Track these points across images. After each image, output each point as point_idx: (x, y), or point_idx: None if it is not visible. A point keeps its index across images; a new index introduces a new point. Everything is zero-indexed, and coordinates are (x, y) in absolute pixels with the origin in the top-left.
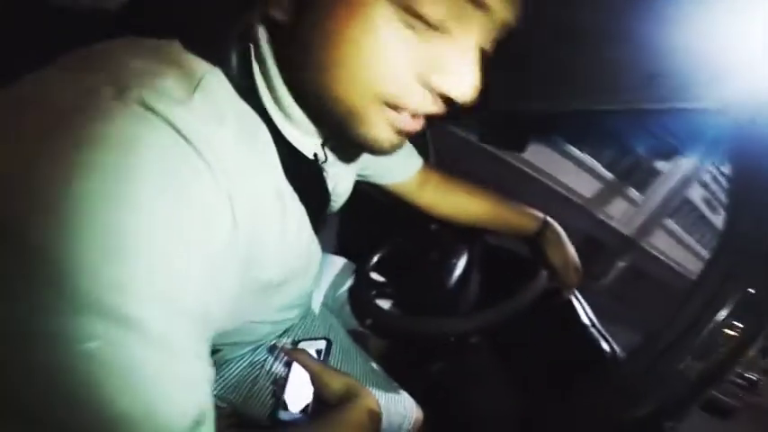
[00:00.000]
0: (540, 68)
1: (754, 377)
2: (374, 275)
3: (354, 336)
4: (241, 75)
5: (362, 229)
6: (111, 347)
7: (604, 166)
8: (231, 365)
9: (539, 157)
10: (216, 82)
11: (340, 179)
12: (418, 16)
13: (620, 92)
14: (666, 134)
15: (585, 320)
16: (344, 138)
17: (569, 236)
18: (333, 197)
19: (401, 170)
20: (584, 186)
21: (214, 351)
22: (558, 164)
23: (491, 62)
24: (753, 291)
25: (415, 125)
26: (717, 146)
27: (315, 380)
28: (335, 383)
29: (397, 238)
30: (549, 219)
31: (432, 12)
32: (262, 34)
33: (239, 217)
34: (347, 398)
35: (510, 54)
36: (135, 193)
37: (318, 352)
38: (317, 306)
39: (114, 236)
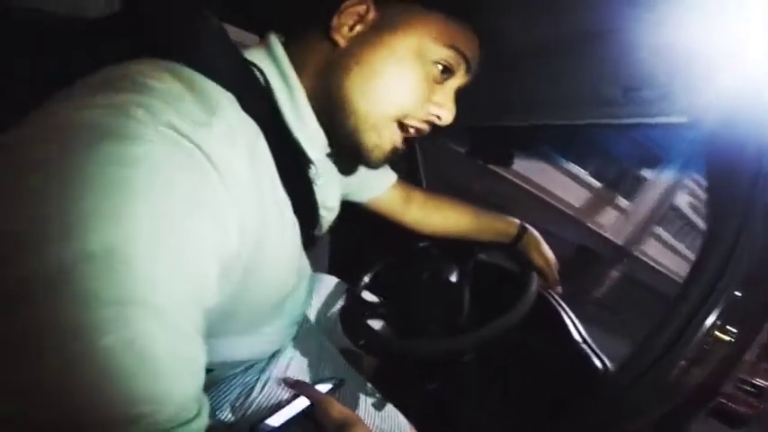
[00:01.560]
0: (521, 84)
1: (762, 383)
2: (366, 295)
3: (347, 355)
4: (255, 90)
5: (353, 248)
6: (133, 333)
7: (592, 175)
8: (222, 386)
9: (528, 167)
10: (228, 105)
11: (327, 193)
12: (438, 69)
13: (599, 105)
14: (649, 144)
15: (576, 336)
16: (348, 144)
17: (561, 247)
18: (321, 211)
19: (376, 185)
20: (574, 196)
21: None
22: (548, 174)
23: (475, 79)
24: (739, 294)
25: (401, 145)
26: (695, 154)
27: (317, 407)
28: (335, 413)
29: (388, 257)
30: (525, 224)
31: (448, 64)
32: (280, 51)
33: (247, 227)
34: (343, 427)
35: (492, 70)
36: (166, 206)
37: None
38: (308, 325)
39: (147, 241)
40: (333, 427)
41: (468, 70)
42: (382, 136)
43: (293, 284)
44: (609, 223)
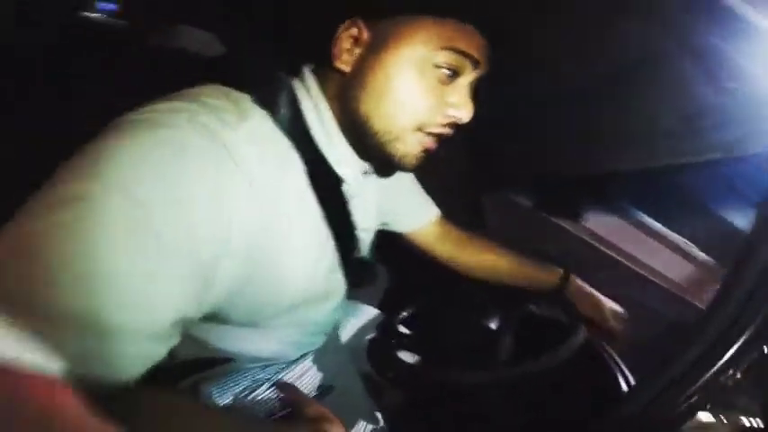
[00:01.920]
0: (574, 129)
1: None
2: (401, 328)
3: (367, 381)
4: (288, 110)
5: (407, 289)
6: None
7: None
8: (234, 375)
9: (605, 226)
10: (259, 118)
11: (364, 213)
12: (443, 71)
13: (659, 141)
14: (737, 185)
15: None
16: (380, 157)
17: (651, 320)
18: (358, 230)
19: (418, 216)
20: (662, 261)
21: (226, 360)
22: (629, 233)
23: (526, 129)
24: None
25: (432, 144)
26: None
27: (295, 405)
28: (311, 411)
29: (434, 295)
30: (569, 273)
31: (452, 66)
32: (310, 79)
33: (253, 218)
34: (318, 422)
35: (544, 118)
36: (182, 175)
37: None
38: (336, 343)
39: (168, 198)
40: (306, 422)
41: (476, 65)
42: (408, 144)
43: (316, 294)
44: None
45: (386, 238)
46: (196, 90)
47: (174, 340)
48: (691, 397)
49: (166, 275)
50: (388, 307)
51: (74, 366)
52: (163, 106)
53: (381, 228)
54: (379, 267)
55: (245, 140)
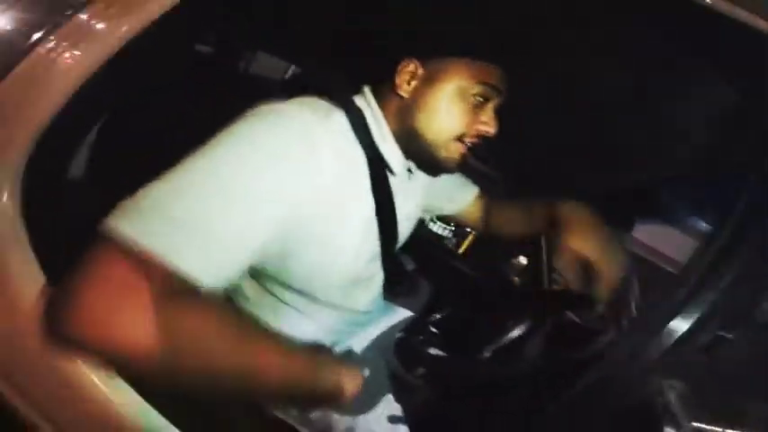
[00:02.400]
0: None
1: None
2: (430, 327)
3: (396, 382)
4: (356, 116)
5: (442, 296)
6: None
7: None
8: None
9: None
10: (337, 117)
11: (406, 204)
12: (478, 99)
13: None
14: None
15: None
16: (428, 160)
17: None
18: (400, 218)
19: (460, 199)
20: None
21: None
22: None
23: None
24: None
25: (467, 153)
26: None
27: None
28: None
29: (470, 302)
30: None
31: (484, 95)
32: (369, 96)
33: (322, 187)
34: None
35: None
36: (277, 149)
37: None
38: (368, 336)
39: (263, 163)
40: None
41: (500, 93)
42: (449, 151)
43: (357, 277)
44: None
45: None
46: (295, 99)
47: (241, 271)
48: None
49: (250, 210)
50: (423, 312)
51: (187, 261)
52: (273, 105)
53: (430, 214)
54: (422, 281)
55: (327, 131)
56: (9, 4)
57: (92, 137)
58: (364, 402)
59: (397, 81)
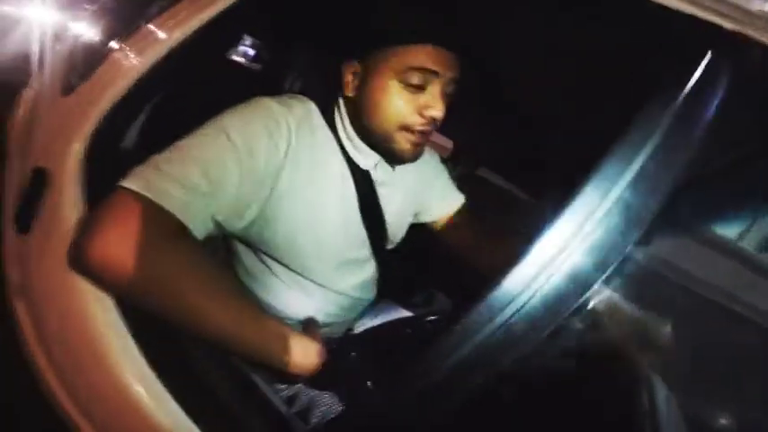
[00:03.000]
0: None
1: None
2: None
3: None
4: (329, 116)
5: None
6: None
7: None
8: None
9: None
10: (314, 113)
11: (390, 200)
12: (411, 85)
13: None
14: None
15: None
16: (384, 152)
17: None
18: (386, 215)
19: (443, 204)
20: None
21: None
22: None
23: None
24: None
25: (419, 139)
26: None
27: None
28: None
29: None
30: None
31: (417, 80)
32: (340, 100)
33: (290, 160)
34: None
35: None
36: (258, 128)
37: None
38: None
39: (247, 137)
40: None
41: (437, 75)
42: (398, 141)
43: (346, 258)
44: None
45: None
46: (288, 95)
47: (220, 216)
48: None
49: (234, 167)
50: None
51: (181, 209)
52: (262, 99)
53: (414, 221)
54: (438, 294)
55: (296, 120)
56: (94, 18)
57: (141, 118)
58: (336, 383)
59: (344, 82)
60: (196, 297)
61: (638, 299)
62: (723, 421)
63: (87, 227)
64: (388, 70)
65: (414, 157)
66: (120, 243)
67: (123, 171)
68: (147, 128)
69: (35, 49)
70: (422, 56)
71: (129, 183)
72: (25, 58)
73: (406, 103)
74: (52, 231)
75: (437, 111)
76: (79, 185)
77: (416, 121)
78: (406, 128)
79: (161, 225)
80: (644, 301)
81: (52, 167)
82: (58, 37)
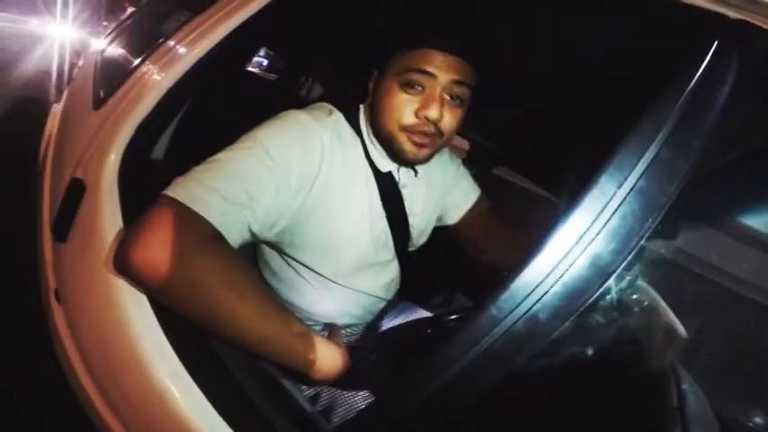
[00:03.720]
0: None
1: None
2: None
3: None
4: (354, 123)
5: None
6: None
7: None
8: None
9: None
10: (342, 121)
11: (414, 203)
12: (409, 87)
13: None
14: None
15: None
16: (390, 152)
17: None
18: (410, 217)
19: (464, 201)
20: None
21: None
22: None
23: None
24: None
25: (420, 140)
26: None
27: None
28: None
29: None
30: None
31: (414, 82)
32: (365, 108)
33: (327, 171)
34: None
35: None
36: (291, 141)
37: None
38: (381, 328)
39: (283, 151)
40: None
41: (439, 75)
42: (399, 141)
43: (368, 258)
44: None
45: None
46: (321, 106)
47: (255, 225)
48: None
49: (270, 181)
50: None
51: (219, 219)
52: (293, 113)
53: (437, 224)
54: (456, 295)
55: (328, 132)
56: (115, 34)
57: (170, 130)
58: (357, 383)
59: (368, 90)
60: (228, 299)
61: (663, 291)
62: (758, 419)
63: (132, 232)
64: (392, 74)
65: (418, 157)
66: (160, 247)
67: (157, 181)
68: (178, 138)
69: (59, 65)
70: (418, 59)
71: (173, 192)
72: (50, 75)
73: (404, 104)
74: (89, 239)
75: (432, 111)
76: (115, 195)
77: (414, 123)
78: (405, 128)
79: (199, 232)
80: (669, 294)
81: (89, 178)
82: (80, 53)
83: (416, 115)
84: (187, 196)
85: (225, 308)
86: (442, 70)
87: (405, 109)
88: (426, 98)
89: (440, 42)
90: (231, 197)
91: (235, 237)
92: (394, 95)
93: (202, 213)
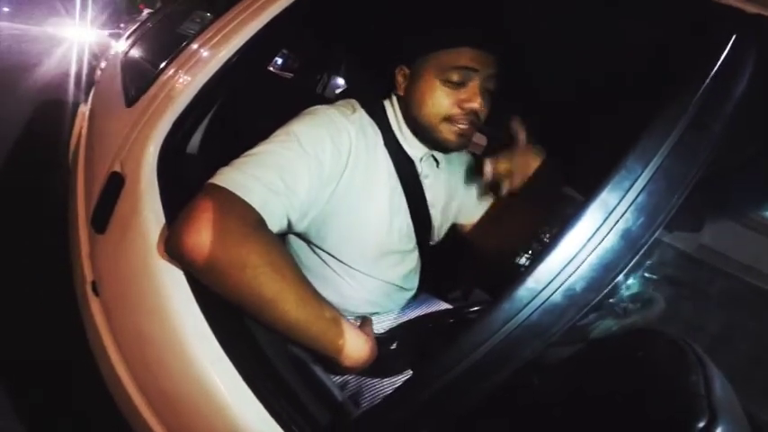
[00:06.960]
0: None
1: None
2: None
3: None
4: (378, 115)
5: None
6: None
7: None
8: None
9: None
10: (365, 117)
11: (434, 191)
12: (452, 82)
13: None
14: None
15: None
16: (432, 142)
17: None
18: (430, 205)
19: (482, 206)
20: None
21: None
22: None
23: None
24: None
25: (462, 130)
26: None
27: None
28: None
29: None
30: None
31: (457, 78)
32: (394, 98)
33: (353, 163)
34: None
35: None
36: (322, 134)
37: None
38: (403, 318)
39: (316, 143)
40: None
41: (476, 72)
42: (443, 132)
43: (391, 247)
44: None
45: None
46: (347, 101)
47: (293, 213)
48: None
49: (305, 172)
50: None
51: (261, 204)
52: (321, 108)
53: (454, 221)
54: (475, 289)
55: (355, 127)
56: (138, 35)
57: (203, 127)
58: (382, 370)
59: (396, 84)
60: (273, 281)
61: (684, 284)
62: None
63: (182, 217)
64: (432, 70)
65: (458, 145)
66: (210, 231)
67: (193, 172)
68: (210, 133)
69: (78, 67)
70: (462, 57)
71: (219, 180)
72: (69, 76)
73: (448, 98)
74: (130, 230)
75: (475, 103)
76: (155, 186)
77: (457, 113)
78: (448, 119)
79: (246, 217)
80: (690, 286)
81: (128, 171)
82: (98, 55)
83: (459, 107)
84: (233, 184)
85: (268, 289)
86: (483, 66)
87: (446, 102)
88: (469, 91)
89: (480, 42)
90: (271, 185)
91: (275, 223)
92: (435, 90)
93: (247, 200)
